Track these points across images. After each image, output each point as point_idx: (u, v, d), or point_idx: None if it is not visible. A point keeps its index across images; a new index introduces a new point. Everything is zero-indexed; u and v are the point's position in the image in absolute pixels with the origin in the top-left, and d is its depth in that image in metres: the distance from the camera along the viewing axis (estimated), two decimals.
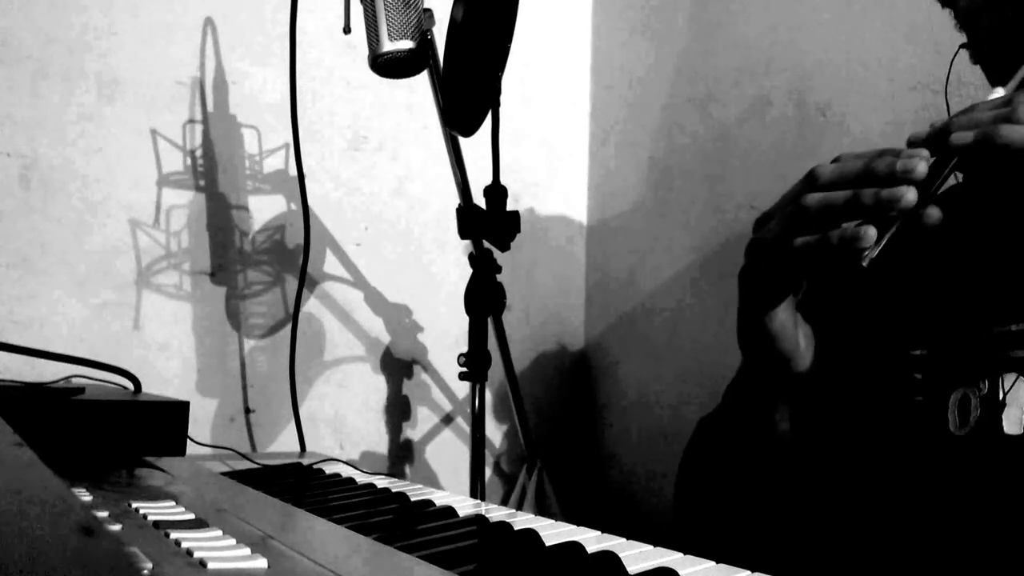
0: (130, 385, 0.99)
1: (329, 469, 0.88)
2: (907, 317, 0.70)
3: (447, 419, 1.58)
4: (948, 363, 0.66)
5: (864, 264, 0.53)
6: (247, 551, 0.43)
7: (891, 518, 0.67)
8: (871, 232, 0.52)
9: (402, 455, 1.53)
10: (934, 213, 0.52)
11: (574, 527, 0.58)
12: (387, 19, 0.95)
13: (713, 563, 0.48)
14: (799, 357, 0.64)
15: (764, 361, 0.65)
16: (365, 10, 0.97)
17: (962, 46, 0.74)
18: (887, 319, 0.72)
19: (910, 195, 0.51)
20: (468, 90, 1.02)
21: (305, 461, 0.91)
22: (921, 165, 0.52)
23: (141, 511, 0.53)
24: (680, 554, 0.50)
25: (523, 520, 0.60)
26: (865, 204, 0.52)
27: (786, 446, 0.67)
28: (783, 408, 0.67)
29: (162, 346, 1.33)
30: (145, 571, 0.39)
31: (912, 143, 0.55)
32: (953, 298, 0.68)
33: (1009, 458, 0.60)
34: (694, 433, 0.79)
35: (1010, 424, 0.61)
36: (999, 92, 0.57)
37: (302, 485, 0.81)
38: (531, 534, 0.55)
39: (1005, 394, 0.61)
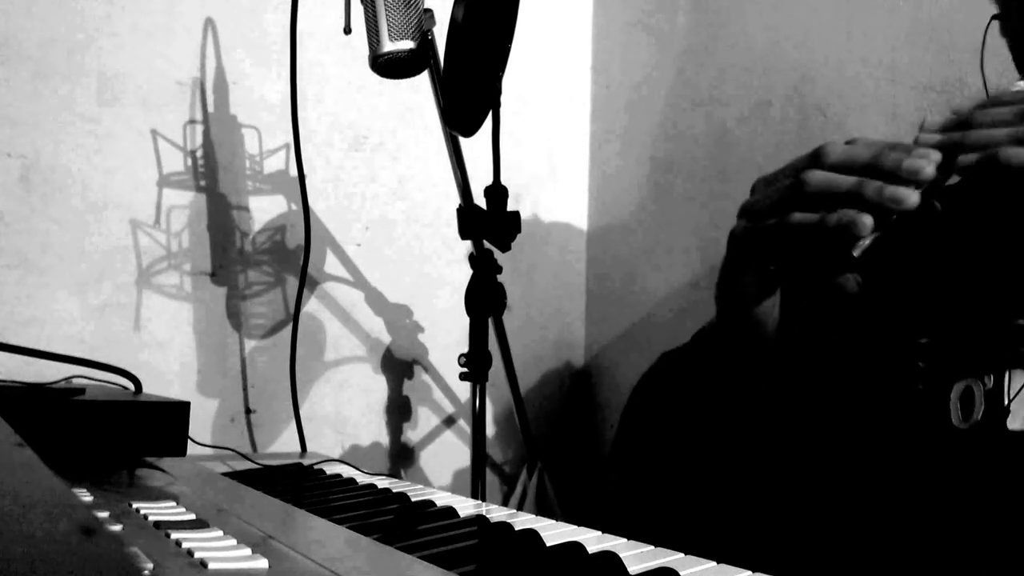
0: (131, 385, 0.99)
1: (330, 469, 0.88)
2: (914, 304, 0.70)
3: (448, 419, 1.58)
4: (953, 354, 0.65)
5: (856, 254, 0.53)
6: (248, 551, 0.43)
7: (887, 511, 0.67)
8: (868, 221, 0.51)
9: (403, 455, 1.53)
10: (912, 199, 0.51)
11: (575, 527, 0.58)
12: (387, 19, 0.96)
13: (714, 563, 0.48)
14: (772, 324, 0.64)
15: (736, 320, 0.64)
16: (365, 10, 0.97)
17: (994, 17, 0.73)
18: (893, 305, 0.71)
19: (913, 198, 0.51)
20: (469, 90, 1.02)
21: (306, 461, 0.91)
22: (929, 168, 0.51)
23: (142, 511, 0.53)
24: (681, 554, 0.50)
25: (524, 520, 0.60)
26: (867, 197, 0.52)
27: (754, 397, 0.66)
28: (752, 367, 0.66)
29: (162, 346, 1.32)
30: (146, 571, 0.39)
31: (920, 143, 0.54)
32: (962, 288, 0.67)
33: (1012, 455, 0.60)
34: (655, 362, 0.77)
35: (1014, 420, 0.60)
36: (1021, 85, 0.57)
37: (303, 485, 0.80)
38: (532, 534, 0.55)
39: (1010, 390, 0.61)
